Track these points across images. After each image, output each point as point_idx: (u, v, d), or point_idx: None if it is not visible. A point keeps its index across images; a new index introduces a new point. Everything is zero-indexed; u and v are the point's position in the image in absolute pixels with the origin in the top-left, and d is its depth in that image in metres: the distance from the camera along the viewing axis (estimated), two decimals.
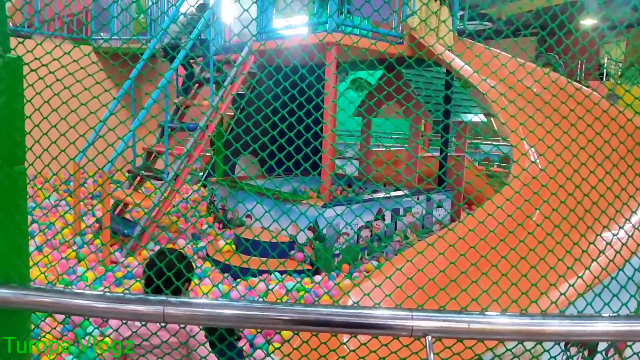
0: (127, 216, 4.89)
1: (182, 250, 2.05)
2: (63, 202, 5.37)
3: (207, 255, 4.32)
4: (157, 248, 4.29)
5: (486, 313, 1.23)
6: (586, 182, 2.45)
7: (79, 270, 3.74)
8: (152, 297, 1.22)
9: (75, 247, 4.13)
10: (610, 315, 1.25)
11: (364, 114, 5.48)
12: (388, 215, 4.55)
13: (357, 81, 9.19)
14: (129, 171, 4.92)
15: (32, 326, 1.49)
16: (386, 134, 10.39)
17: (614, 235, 2.52)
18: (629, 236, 2.47)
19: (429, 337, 1.17)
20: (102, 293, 1.26)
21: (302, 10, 4.33)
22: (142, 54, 3.59)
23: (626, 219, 2.71)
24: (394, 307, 1.57)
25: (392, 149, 7.59)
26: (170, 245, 4.28)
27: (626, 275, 2.26)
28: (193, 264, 2.11)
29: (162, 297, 1.21)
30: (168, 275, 1.63)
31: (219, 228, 5.25)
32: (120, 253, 4.16)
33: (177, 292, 1.63)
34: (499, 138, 8.64)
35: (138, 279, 2.43)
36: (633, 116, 3.13)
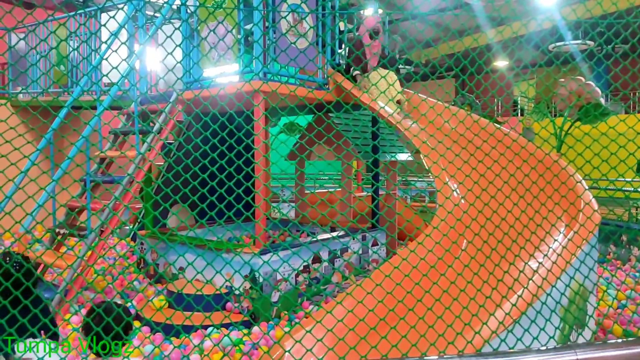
0: (48, 277, 4.49)
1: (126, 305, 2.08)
2: None
3: (137, 312, 4.04)
4: (84, 311, 3.94)
5: (406, 358, 1.25)
6: (504, 213, 2.59)
7: None
8: None
9: None
10: (539, 348, 1.28)
11: (297, 153, 5.54)
12: (326, 255, 4.54)
13: (290, 125, 9.33)
14: (48, 229, 4.57)
15: None
16: (322, 174, 10.55)
17: (531, 267, 2.63)
18: (548, 271, 2.58)
19: None
20: None
21: (228, 58, 4.36)
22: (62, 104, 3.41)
23: (537, 249, 2.82)
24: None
25: (327, 188, 7.70)
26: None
27: (548, 308, 2.35)
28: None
29: None
30: (117, 329, 1.88)
31: (149, 281, 4.95)
32: None
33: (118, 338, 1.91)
34: (429, 174, 8.99)
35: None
36: (550, 150, 3.42)
